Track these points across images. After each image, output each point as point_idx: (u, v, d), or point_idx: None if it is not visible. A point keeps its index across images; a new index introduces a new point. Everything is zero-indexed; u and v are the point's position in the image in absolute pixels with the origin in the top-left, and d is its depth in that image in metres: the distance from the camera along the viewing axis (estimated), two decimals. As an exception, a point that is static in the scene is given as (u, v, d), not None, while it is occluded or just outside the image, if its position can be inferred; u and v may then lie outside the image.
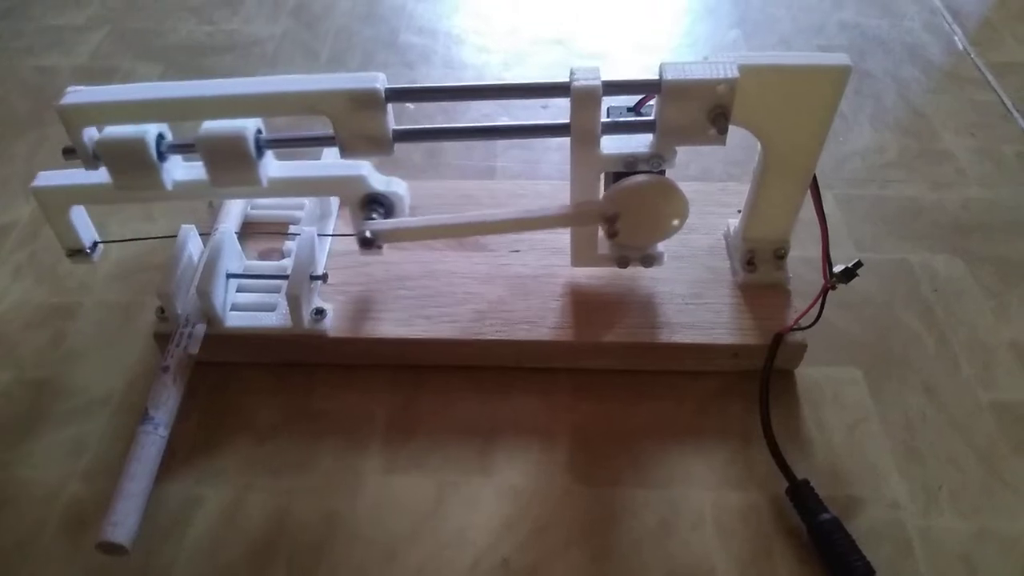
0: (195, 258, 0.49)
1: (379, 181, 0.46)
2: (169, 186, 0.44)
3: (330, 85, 0.42)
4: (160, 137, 0.43)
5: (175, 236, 0.49)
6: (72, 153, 0.44)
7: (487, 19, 0.83)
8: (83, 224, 0.48)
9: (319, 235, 0.51)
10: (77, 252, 0.48)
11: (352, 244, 0.53)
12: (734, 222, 0.54)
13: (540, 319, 0.50)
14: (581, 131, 0.43)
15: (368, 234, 0.44)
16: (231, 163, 0.43)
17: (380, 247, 0.45)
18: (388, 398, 0.49)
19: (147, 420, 0.42)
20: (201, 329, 0.46)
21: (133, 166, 0.43)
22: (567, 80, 0.42)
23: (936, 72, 0.77)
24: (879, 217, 0.61)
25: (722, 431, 0.47)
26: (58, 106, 0.42)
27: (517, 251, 0.54)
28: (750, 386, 0.48)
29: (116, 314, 0.54)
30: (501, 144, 0.67)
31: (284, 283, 0.50)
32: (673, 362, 0.49)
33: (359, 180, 0.45)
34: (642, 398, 0.49)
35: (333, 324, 0.49)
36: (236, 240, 0.50)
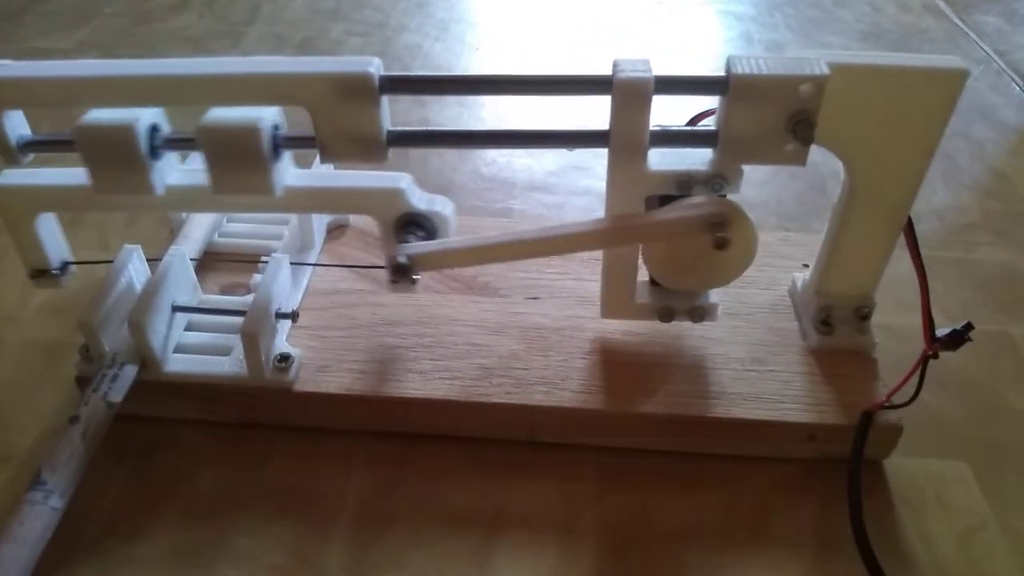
0: (137, 287, 0.40)
1: (421, 199, 0.37)
2: (160, 190, 0.35)
3: (310, 68, 0.33)
4: (154, 129, 0.34)
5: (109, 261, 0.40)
6: (-15, 144, 0.35)
7: (507, 58, 0.76)
8: (52, 237, 0.39)
9: (297, 264, 0.41)
10: (42, 273, 0.39)
11: (337, 283, 0.44)
12: (801, 276, 0.44)
13: (562, 381, 0.39)
14: (624, 139, 0.34)
15: (403, 259, 0.35)
16: (239, 164, 0.34)
17: (415, 279, 0.36)
18: (364, 474, 0.38)
19: (37, 485, 0.31)
20: (131, 372, 0.36)
21: (117, 162, 0.34)
22: (609, 73, 0.33)
23: (1012, 132, 0.68)
24: (968, 284, 0.51)
25: (794, 537, 0.36)
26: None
27: (535, 298, 0.44)
28: (828, 479, 0.37)
29: (40, 355, 0.44)
30: (520, 184, 0.59)
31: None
32: (728, 443, 0.39)
33: (397, 195, 0.36)
34: (688, 490, 0.38)
35: (301, 375, 0.39)
36: (190, 267, 0.41)
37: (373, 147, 0.35)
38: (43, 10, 0.81)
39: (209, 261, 0.45)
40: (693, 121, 0.38)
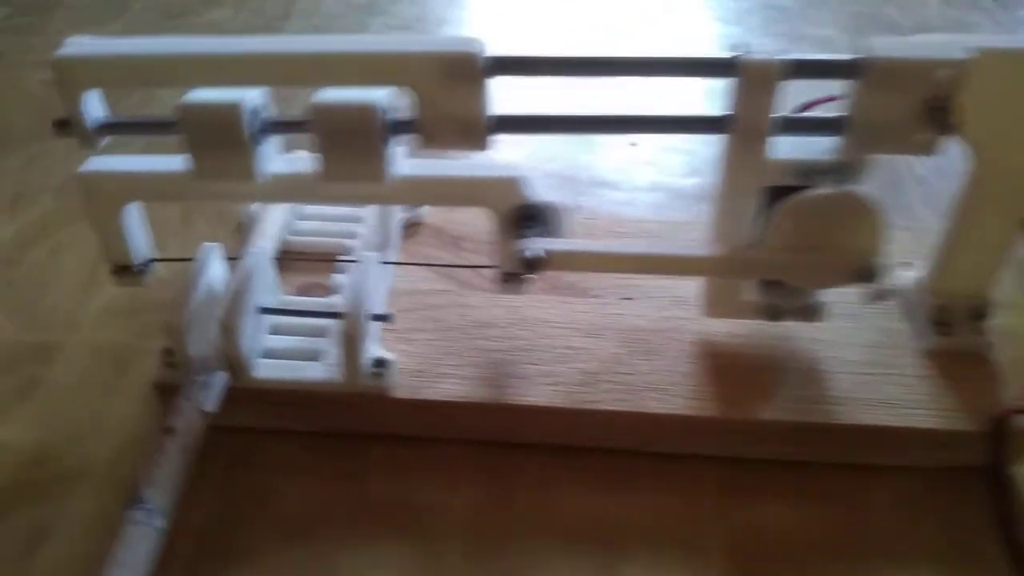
0: (217, 288, 0.37)
1: (538, 189, 0.34)
2: (260, 177, 0.33)
3: (419, 47, 0.31)
4: (255, 111, 0.31)
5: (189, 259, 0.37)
6: (65, 127, 0.33)
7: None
8: (137, 231, 0.36)
9: (383, 263, 0.39)
10: (124, 270, 0.37)
11: (418, 283, 0.42)
12: (907, 274, 0.42)
13: (672, 386, 0.37)
14: (747, 126, 0.32)
15: (539, 253, 0.32)
16: (353, 149, 0.31)
17: (535, 276, 0.33)
18: (469, 487, 0.36)
19: (138, 504, 0.29)
20: (221, 379, 0.34)
21: (220, 145, 0.32)
22: (732, 56, 0.31)
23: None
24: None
25: (933, 550, 0.34)
26: (53, 58, 0.31)
27: (629, 298, 0.42)
28: (952, 487, 0.36)
29: (108, 361, 0.42)
30: (584, 180, 0.56)
31: (332, 325, 0.38)
32: (852, 452, 0.37)
33: (514, 185, 0.34)
34: (812, 502, 0.36)
35: (398, 381, 0.37)
36: (273, 267, 0.39)
37: (475, 132, 0.32)
38: (73, 4, 0.79)
39: (282, 262, 0.43)
40: (812, 104, 0.36)
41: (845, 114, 0.32)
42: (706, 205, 0.37)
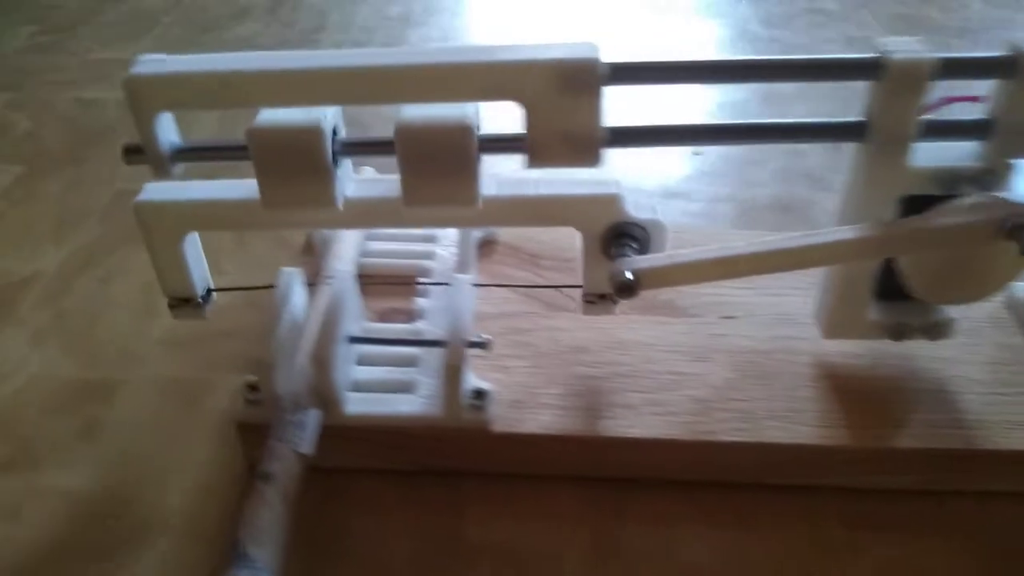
0: (300, 317, 0.35)
1: (634, 205, 0.32)
2: (340, 203, 0.30)
3: (528, 56, 0.28)
4: (334, 133, 0.29)
5: (269, 287, 0.34)
6: (137, 154, 0.30)
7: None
8: (197, 261, 0.34)
9: (475, 285, 0.36)
10: (184, 302, 0.34)
11: (502, 305, 0.39)
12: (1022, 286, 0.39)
13: (794, 413, 0.34)
14: (888, 131, 0.30)
15: (628, 276, 0.30)
16: (440, 170, 0.29)
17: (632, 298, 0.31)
18: (576, 528, 0.33)
19: (244, 563, 0.26)
20: (315, 417, 0.31)
21: (296, 170, 0.29)
22: (875, 55, 0.29)
23: None
24: None
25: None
26: (126, 77, 0.29)
27: (731, 317, 0.39)
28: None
29: (174, 397, 0.39)
30: (654, 190, 0.54)
31: (421, 355, 0.36)
32: (993, 479, 0.34)
33: (612, 203, 0.31)
34: (954, 534, 0.33)
35: (497, 413, 0.34)
36: (358, 292, 0.36)
37: (589, 147, 0.30)
38: (98, 21, 0.76)
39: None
40: (942, 102, 0.33)
41: (990, 116, 0.30)
42: (829, 218, 0.34)
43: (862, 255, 0.32)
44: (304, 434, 0.30)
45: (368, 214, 0.32)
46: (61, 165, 0.56)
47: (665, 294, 0.40)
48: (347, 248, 0.39)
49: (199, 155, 0.31)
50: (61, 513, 0.34)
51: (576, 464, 0.34)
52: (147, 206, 0.32)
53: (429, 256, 0.42)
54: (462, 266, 0.41)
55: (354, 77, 0.29)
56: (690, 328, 0.39)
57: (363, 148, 0.31)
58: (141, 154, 0.30)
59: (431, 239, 0.43)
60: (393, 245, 0.42)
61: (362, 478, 0.35)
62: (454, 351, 0.31)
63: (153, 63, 0.30)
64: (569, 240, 0.44)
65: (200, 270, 0.34)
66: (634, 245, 0.32)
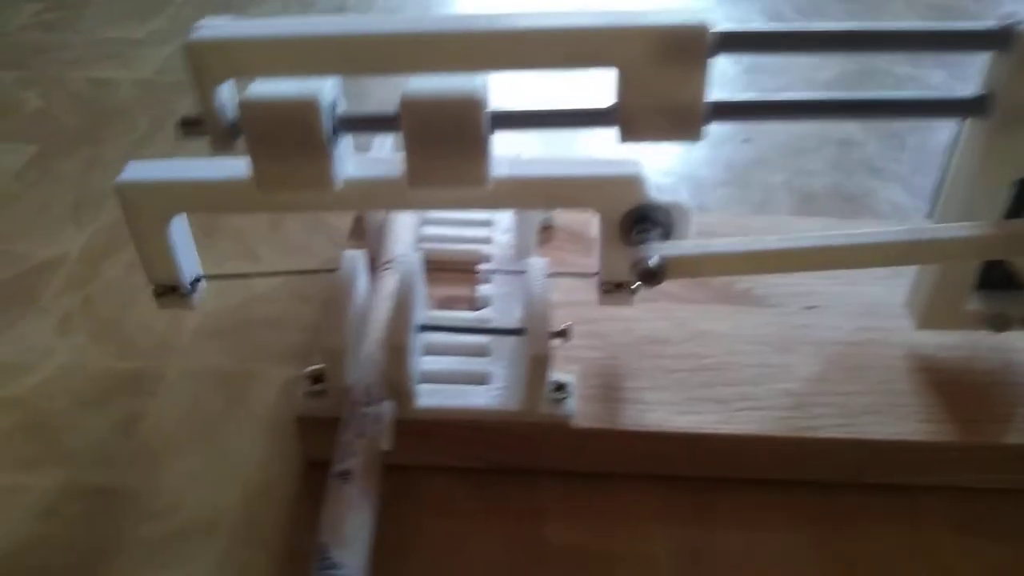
0: (364, 304, 0.32)
1: (655, 187, 0.29)
2: (338, 184, 0.27)
3: (629, 21, 0.26)
4: (331, 107, 0.26)
5: (329, 270, 0.32)
6: (195, 126, 0.27)
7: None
8: (185, 247, 0.30)
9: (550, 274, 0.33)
10: (170, 291, 0.31)
11: (570, 294, 0.36)
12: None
13: (894, 408, 0.32)
14: (1012, 106, 0.28)
15: (655, 261, 0.27)
16: (448, 147, 0.26)
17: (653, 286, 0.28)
18: (666, 530, 0.31)
19: (329, 569, 0.23)
20: (389, 410, 0.28)
21: (292, 147, 0.26)
22: (1003, 24, 0.27)
23: None
24: None
25: None
26: (188, 42, 0.26)
27: (814, 307, 0.37)
28: None
29: (215, 389, 0.36)
30: (707, 181, 0.52)
31: (491, 344, 0.33)
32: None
33: (633, 184, 0.29)
34: (1068, 537, 0.31)
35: (578, 407, 0.31)
36: (423, 278, 0.33)
37: (689, 121, 0.27)
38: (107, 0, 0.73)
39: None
40: None
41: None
42: (933, 203, 0.32)
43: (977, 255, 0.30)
44: (380, 428, 0.27)
45: (369, 196, 0.29)
46: (76, 145, 0.52)
47: (741, 283, 0.38)
48: (405, 231, 0.36)
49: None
50: (101, 512, 0.31)
51: (663, 462, 0.32)
52: (131, 186, 0.28)
53: (487, 241, 0.39)
54: (522, 252, 0.38)
55: (433, 43, 0.26)
56: (772, 318, 0.36)
57: (365, 124, 0.28)
58: (199, 126, 0.28)
59: (487, 223, 0.40)
60: (447, 230, 0.40)
61: (432, 476, 0.32)
62: (538, 340, 0.29)
63: (217, 28, 0.27)
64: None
65: (188, 256, 0.31)
66: (656, 231, 0.30)
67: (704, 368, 0.34)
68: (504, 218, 0.41)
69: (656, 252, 0.28)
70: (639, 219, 0.29)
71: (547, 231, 0.41)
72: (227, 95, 0.27)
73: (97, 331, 0.39)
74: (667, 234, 0.30)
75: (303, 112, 0.25)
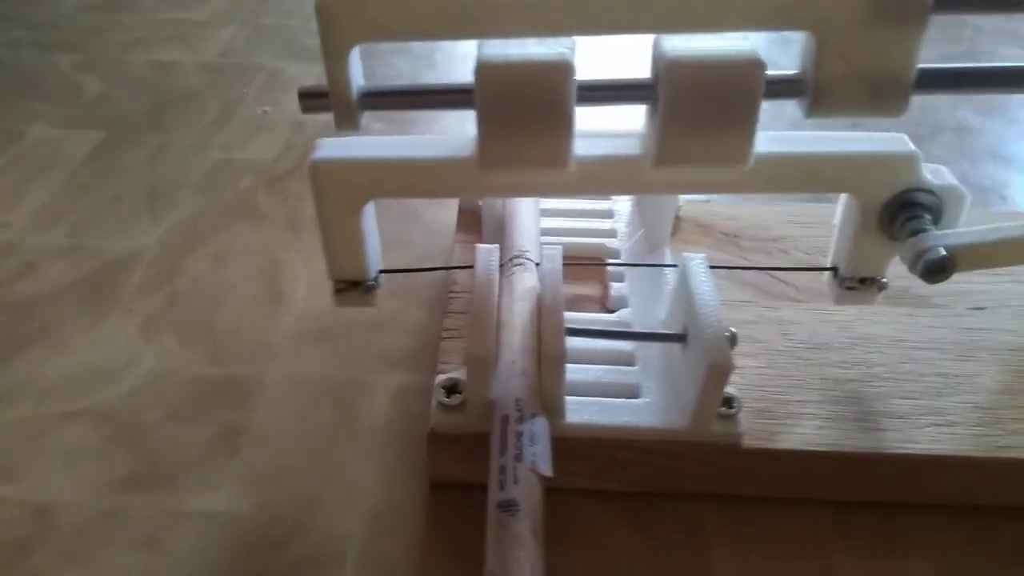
0: (495, 302, 0.28)
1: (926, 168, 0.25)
2: (572, 164, 0.23)
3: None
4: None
5: (465, 267, 0.28)
6: (316, 98, 0.24)
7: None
8: (373, 237, 0.27)
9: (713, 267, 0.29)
10: (352, 286, 0.27)
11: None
12: None
13: (1102, 424, 0.28)
14: None
15: (941, 252, 0.23)
16: (713, 121, 0.22)
17: (942, 280, 0.24)
18: (847, 559, 0.27)
19: (509, 625, 0.20)
20: (544, 428, 0.25)
21: (532, 117, 0.22)
22: None
23: None
24: None
25: None
26: (320, 2, 0.22)
27: (982, 308, 0.33)
28: None
29: (321, 400, 0.33)
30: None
31: (636, 351, 0.29)
32: None
33: (906, 163, 0.25)
34: None
35: (749, 425, 0.28)
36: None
37: (895, 93, 0.23)
38: (162, -22, 0.70)
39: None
40: None
41: None
42: None
43: None
44: (538, 449, 0.24)
45: (605, 178, 0.25)
46: (143, 132, 0.49)
47: (898, 280, 0.34)
48: (531, 222, 0.33)
49: (390, 101, 0.25)
50: (212, 539, 0.27)
51: (843, 487, 0.28)
52: (327, 165, 0.25)
53: (611, 234, 0.35)
54: (653, 244, 0.34)
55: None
56: (938, 321, 0.32)
57: (611, 93, 0.24)
58: (322, 99, 0.24)
59: (608, 214, 0.37)
60: (565, 222, 0.36)
61: (578, 500, 0.28)
62: (716, 347, 0.25)
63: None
64: (769, 216, 0.37)
65: (375, 247, 0.27)
66: (927, 217, 0.26)
67: (875, 377, 0.30)
68: (625, 209, 0.37)
69: (938, 242, 0.24)
70: (905, 204, 0.25)
71: (675, 222, 0.37)
72: (355, 64, 0.24)
73: (185, 333, 0.35)
74: (937, 222, 0.26)
75: (553, 76, 0.22)
